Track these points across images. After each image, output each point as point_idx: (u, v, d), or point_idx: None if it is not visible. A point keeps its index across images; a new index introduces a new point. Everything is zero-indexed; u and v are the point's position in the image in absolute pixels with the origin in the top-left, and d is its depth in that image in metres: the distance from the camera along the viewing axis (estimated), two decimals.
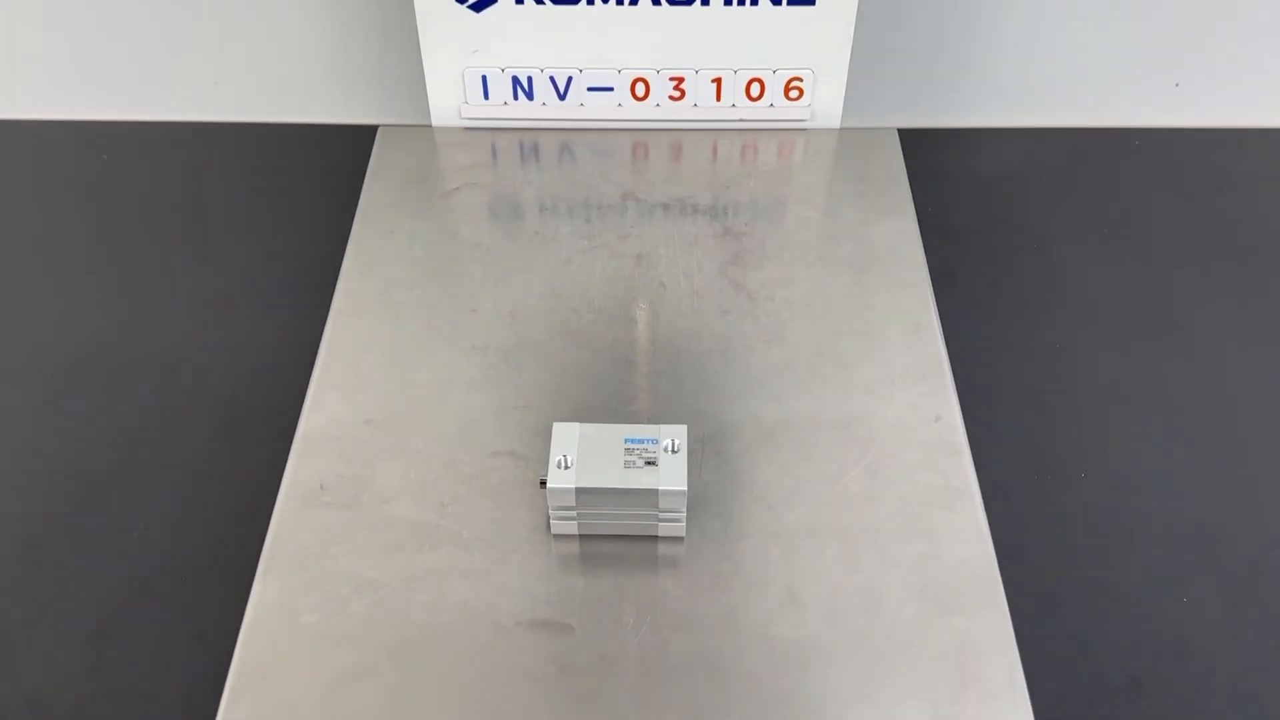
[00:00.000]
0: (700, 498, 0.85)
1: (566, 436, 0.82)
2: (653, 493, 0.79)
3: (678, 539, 0.83)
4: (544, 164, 1.15)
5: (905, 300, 1.01)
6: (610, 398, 0.93)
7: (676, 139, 1.17)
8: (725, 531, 0.84)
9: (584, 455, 0.80)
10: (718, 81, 1.13)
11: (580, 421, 0.84)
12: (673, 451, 0.81)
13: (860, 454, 0.89)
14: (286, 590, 0.81)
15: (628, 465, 0.80)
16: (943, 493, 0.86)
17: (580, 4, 1.08)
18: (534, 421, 0.91)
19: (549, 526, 0.82)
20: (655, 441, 0.81)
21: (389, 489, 0.87)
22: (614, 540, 0.83)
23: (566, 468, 0.80)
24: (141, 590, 0.90)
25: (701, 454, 0.88)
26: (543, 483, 0.80)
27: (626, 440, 0.81)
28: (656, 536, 0.83)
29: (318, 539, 0.84)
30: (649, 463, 0.80)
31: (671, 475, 0.79)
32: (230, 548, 0.89)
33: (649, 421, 0.90)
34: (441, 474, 0.87)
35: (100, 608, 0.89)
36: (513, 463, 0.88)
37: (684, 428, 0.82)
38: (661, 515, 0.81)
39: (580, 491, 0.79)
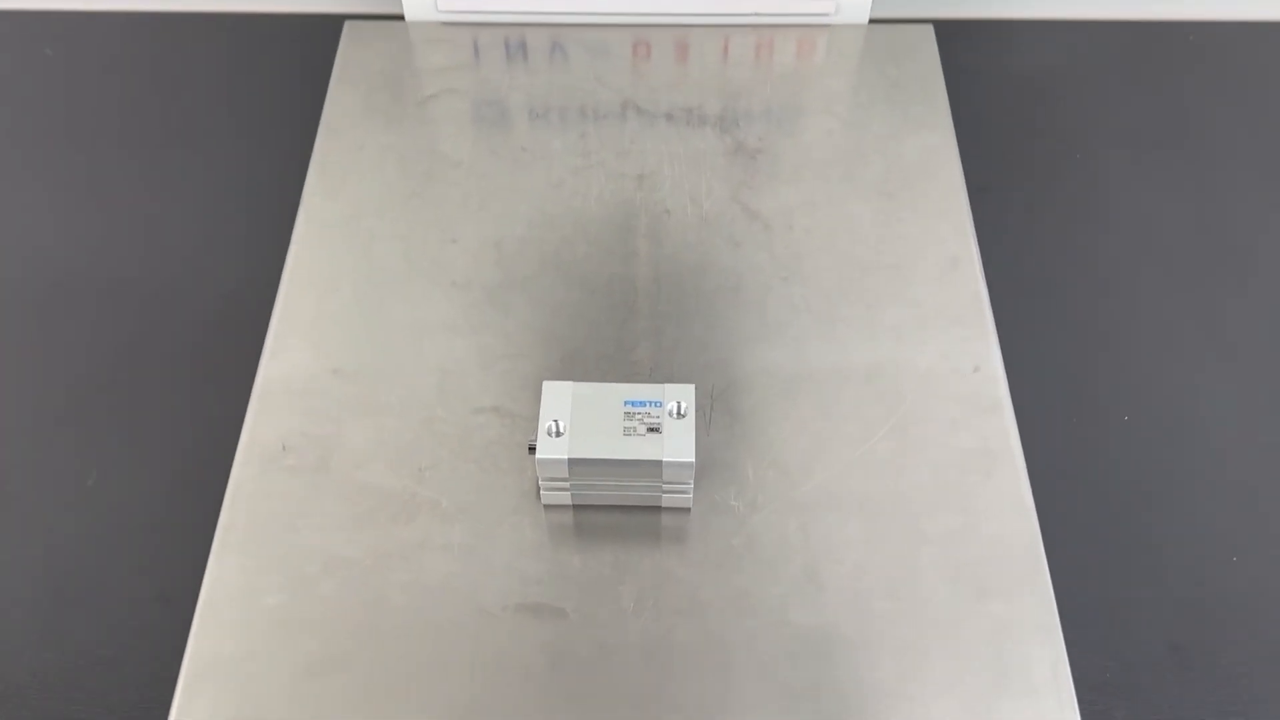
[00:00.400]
0: (708, 462, 0.76)
1: (558, 398, 0.72)
2: (656, 465, 0.70)
3: (683, 510, 0.74)
4: (532, 65, 1.02)
5: (941, 229, 0.90)
6: (607, 344, 0.82)
7: (683, 36, 1.03)
8: (736, 502, 0.75)
9: (578, 420, 0.71)
10: None
11: (574, 378, 0.74)
12: (678, 416, 0.71)
13: (888, 411, 0.79)
14: (245, 569, 0.72)
15: (627, 433, 0.70)
16: (981, 457, 0.77)
17: None
18: (522, 372, 0.81)
19: (539, 496, 0.73)
20: (659, 404, 0.71)
21: (360, 451, 0.77)
22: (612, 511, 0.74)
23: (558, 435, 0.71)
24: (98, 546, 0.80)
25: (710, 411, 0.78)
26: (531, 448, 0.71)
27: (626, 403, 0.72)
28: (660, 508, 0.74)
29: (280, 509, 0.75)
30: (651, 429, 0.71)
31: (677, 444, 0.70)
32: (190, 501, 0.80)
33: (651, 373, 0.80)
34: (419, 433, 0.78)
35: (52, 566, 0.79)
36: (498, 420, 0.78)
37: (691, 388, 0.72)
38: (666, 487, 0.72)
39: (574, 463, 0.70)
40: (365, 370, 0.81)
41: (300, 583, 0.72)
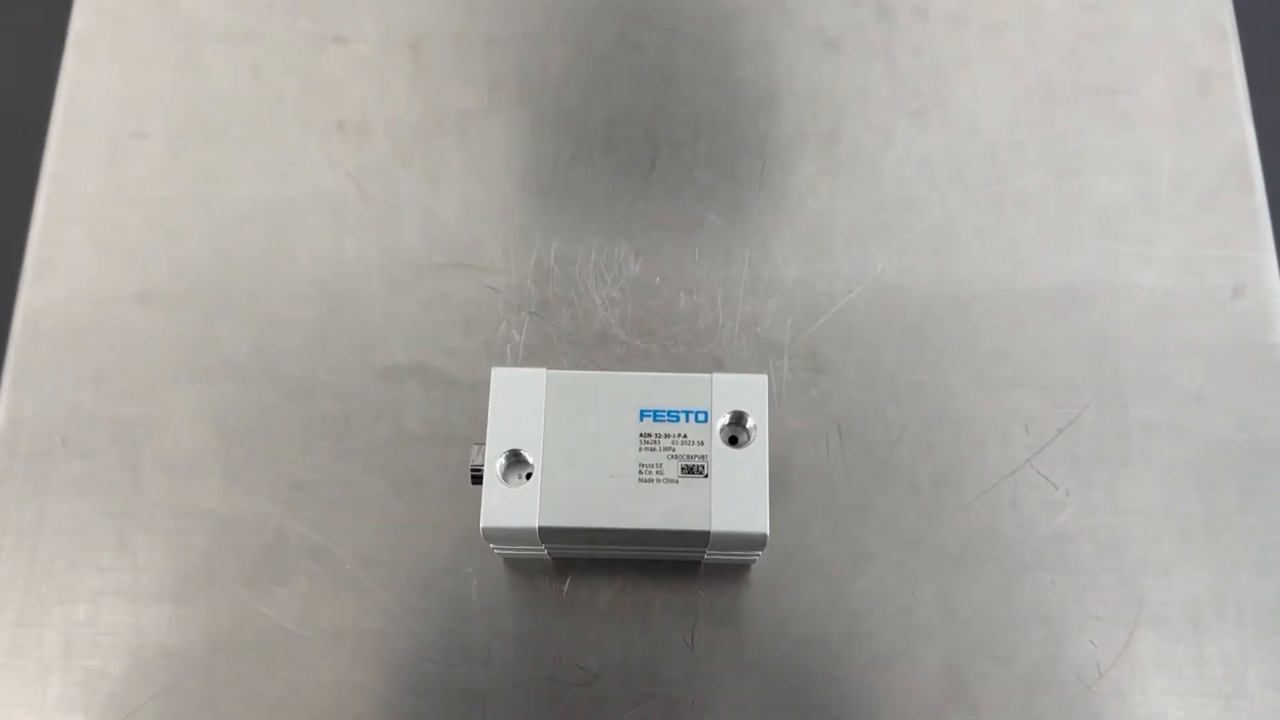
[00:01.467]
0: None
1: (518, 398, 0.39)
2: (700, 536, 0.38)
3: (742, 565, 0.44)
4: None
5: (1182, 20, 0.52)
6: (614, 220, 0.48)
7: None
8: (833, 551, 0.44)
9: (556, 449, 0.38)
10: None
11: (557, 302, 0.41)
12: (739, 439, 0.39)
13: (1090, 375, 0.46)
14: None
15: (646, 475, 0.38)
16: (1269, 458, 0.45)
17: None
18: (469, 299, 0.47)
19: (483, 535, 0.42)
20: (702, 418, 0.39)
21: (186, 448, 0.45)
22: (619, 571, 0.44)
23: (521, 480, 0.38)
24: None
25: (780, 392, 0.46)
26: (475, 476, 0.39)
27: (642, 414, 0.39)
28: (700, 563, 0.43)
29: (59, 567, 0.44)
30: (690, 469, 0.38)
31: (736, 501, 0.38)
32: None
33: (683, 294, 0.47)
34: (286, 416, 0.46)
35: None
36: (421, 388, 0.46)
37: (760, 381, 0.39)
38: (712, 556, 0.41)
39: (549, 532, 0.38)
40: (193, 295, 0.47)
41: None
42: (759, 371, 0.45)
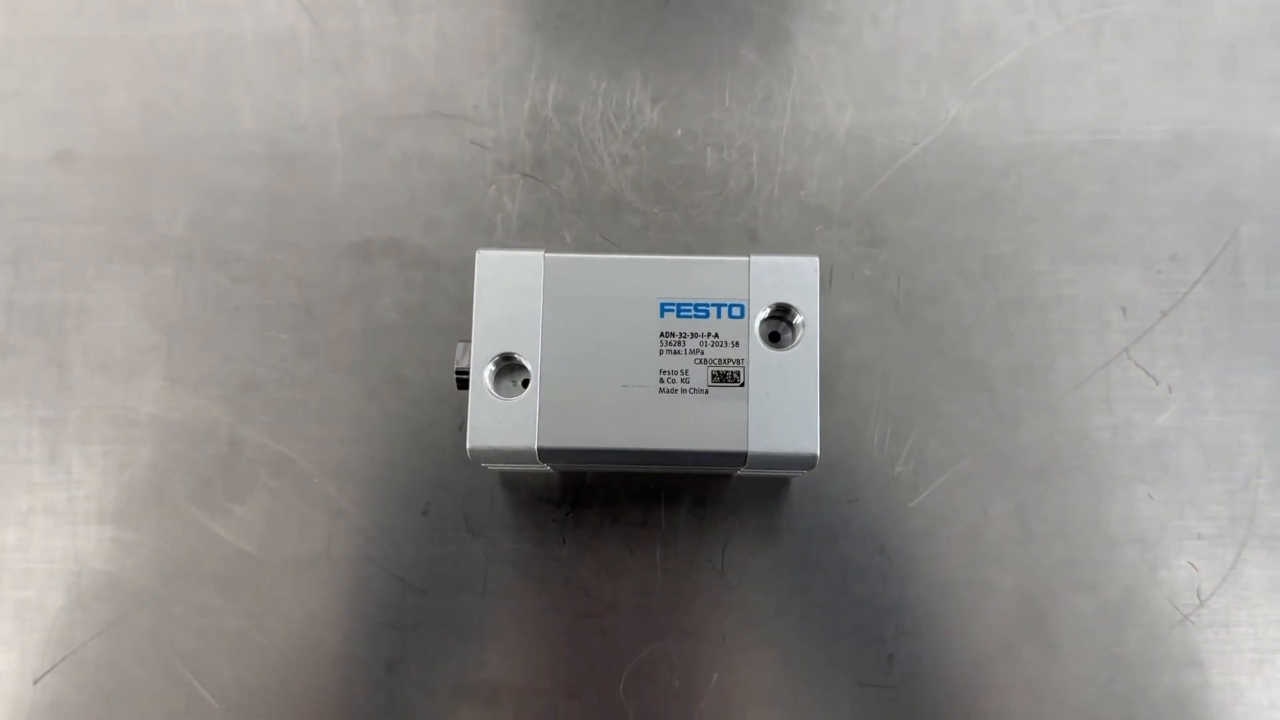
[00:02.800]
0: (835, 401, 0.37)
1: (508, 289, 0.32)
2: (735, 457, 0.31)
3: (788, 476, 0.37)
4: None
5: None
6: (626, 57, 0.39)
7: None
8: (890, 460, 0.37)
9: (556, 351, 0.31)
10: None
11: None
12: (786, 338, 0.32)
13: (1203, 246, 0.38)
14: None
15: (668, 383, 0.31)
16: None
17: None
18: (437, 144, 0.39)
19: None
20: (739, 314, 0.31)
21: (121, 342, 0.38)
22: (636, 484, 0.37)
23: (516, 388, 0.31)
24: None
25: (830, 271, 0.38)
26: (460, 380, 0.32)
27: (663, 308, 0.31)
28: (732, 475, 0.37)
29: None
30: (723, 377, 0.31)
31: (780, 414, 0.31)
32: None
33: (715, 201, 0.38)
34: (235, 295, 0.38)
35: None
36: (395, 268, 0.38)
37: (812, 263, 0.31)
38: (748, 473, 0.34)
39: (550, 453, 0.31)
40: (119, 157, 0.39)
41: None
42: (804, 247, 0.37)
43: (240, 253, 0.38)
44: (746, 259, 0.31)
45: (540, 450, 0.31)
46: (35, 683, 0.36)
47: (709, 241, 0.38)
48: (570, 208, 0.39)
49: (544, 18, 0.40)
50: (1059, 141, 0.39)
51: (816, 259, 0.31)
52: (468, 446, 0.31)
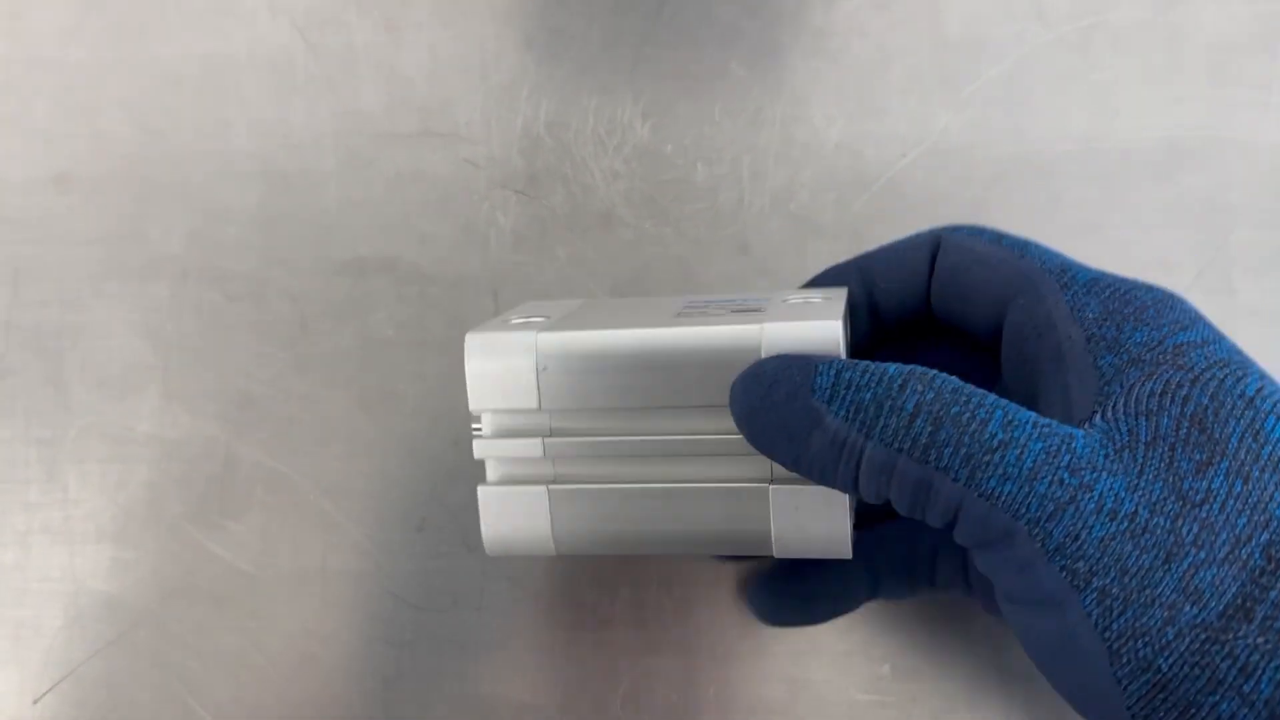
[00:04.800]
0: None
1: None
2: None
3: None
4: None
5: None
6: (616, 74, 0.39)
7: None
8: None
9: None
10: None
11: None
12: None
13: (1193, 252, 0.38)
14: None
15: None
16: None
17: None
18: (431, 162, 0.39)
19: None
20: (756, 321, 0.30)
21: (118, 361, 0.38)
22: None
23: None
24: None
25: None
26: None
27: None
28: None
29: None
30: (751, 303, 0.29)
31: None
32: None
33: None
34: (230, 313, 0.39)
35: None
36: (389, 284, 0.38)
37: (840, 300, 0.30)
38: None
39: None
40: (116, 178, 0.40)
41: None
42: (796, 260, 0.37)
43: (236, 270, 0.39)
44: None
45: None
46: (35, 702, 0.37)
47: (702, 254, 0.38)
48: (563, 223, 0.39)
49: (535, 35, 0.40)
50: (1049, 150, 0.39)
51: (838, 322, 0.28)
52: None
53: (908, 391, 0.25)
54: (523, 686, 0.36)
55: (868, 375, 0.25)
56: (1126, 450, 0.25)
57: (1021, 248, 0.30)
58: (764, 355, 0.27)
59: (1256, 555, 0.23)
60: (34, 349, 0.39)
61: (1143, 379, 0.26)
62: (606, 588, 0.37)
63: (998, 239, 0.31)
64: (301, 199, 0.39)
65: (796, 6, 0.40)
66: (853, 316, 0.32)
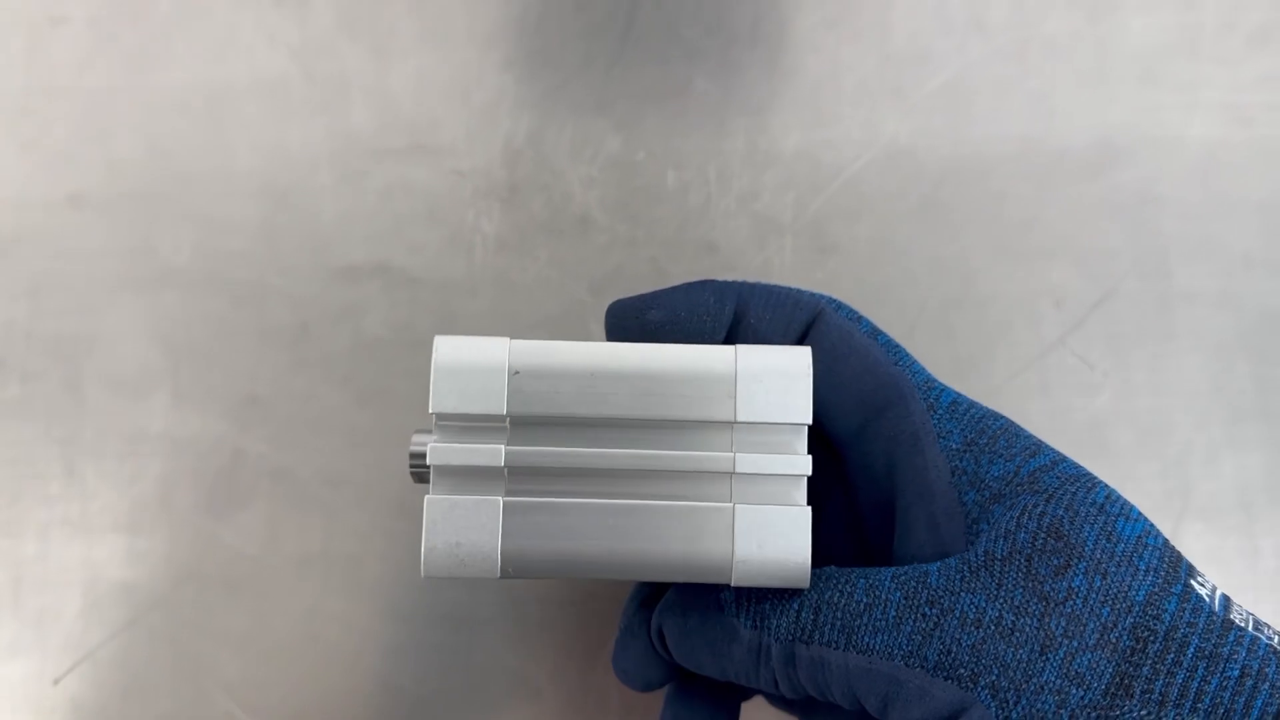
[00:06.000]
0: None
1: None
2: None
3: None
4: None
5: None
6: (589, 90, 0.43)
7: None
8: None
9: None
10: None
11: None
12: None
13: (1129, 241, 0.41)
14: None
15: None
16: None
17: None
18: (419, 175, 0.42)
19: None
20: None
21: (131, 365, 0.41)
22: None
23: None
24: None
25: (782, 276, 0.41)
26: (415, 464, 0.29)
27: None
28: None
29: (2, 500, 0.41)
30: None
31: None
32: None
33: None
34: (235, 319, 0.41)
35: None
36: (382, 289, 0.41)
37: (803, 356, 0.29)
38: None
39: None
40: (127, 196, 0.43)
41: None
42: (759, 255, 0.40)
43: (240, 279, 0.42)
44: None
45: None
46: (55, 683, 0.39)
47: (672, 254, 0.41)
48: (542, 228, 0.42)
49: (514, 57, 0.43)
50: (991, 151, 0.42)
51: (808, 350, 0.28)
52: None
53: (792, 598, 0.28)
54: (513, 657, 0.39)
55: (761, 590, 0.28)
56: (983, 569, 0.27)
57: (895, 352, 0.30)
58: (739, 373, 0.28)
59: (1125, 638, 0.25)
60: (53, 356, 0.41)
61: (1005, 511, 0.27)
62: None
63: (874, 333, 0.31)
64: (300, 212, 0.42)
65: (753, 26, 0.43)
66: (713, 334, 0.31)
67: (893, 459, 0.30)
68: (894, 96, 0.43)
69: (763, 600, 0.28)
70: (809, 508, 0.28)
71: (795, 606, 0.28)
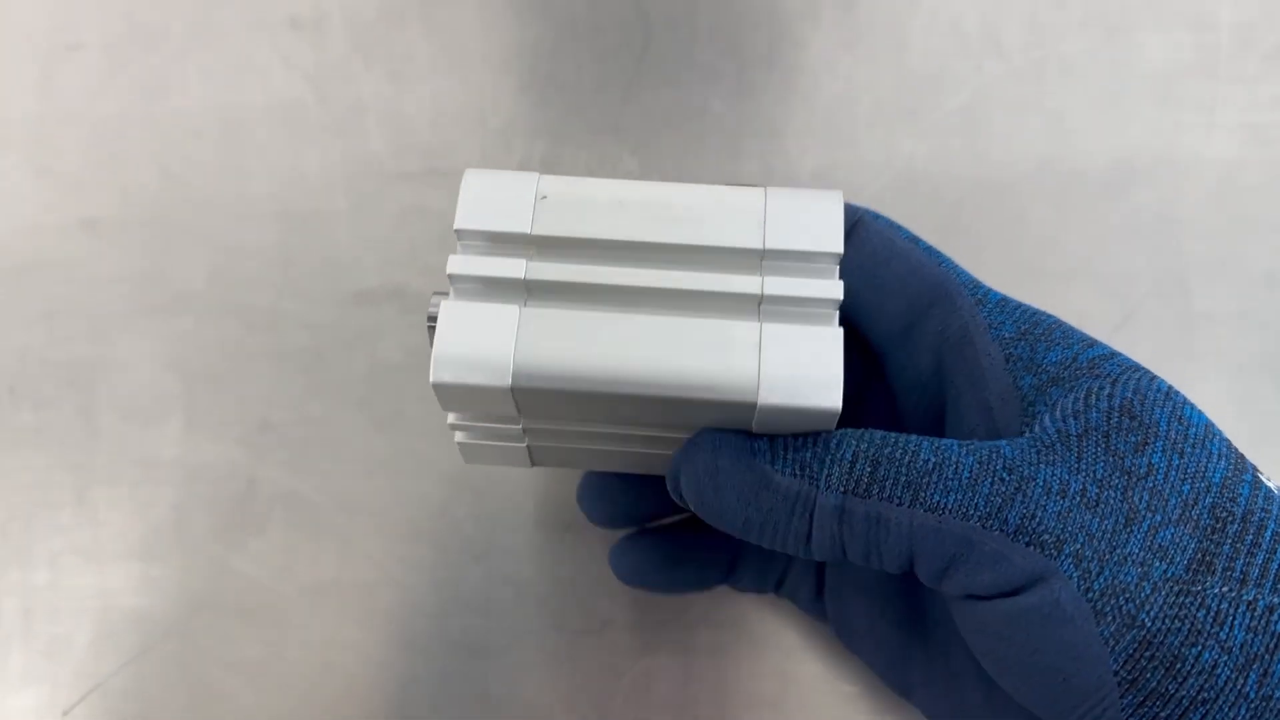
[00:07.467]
0: None
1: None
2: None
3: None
4: None
5: None
6: (605, 114, 0.43)
7: None
8: None
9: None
10: None
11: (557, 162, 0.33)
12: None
13: (1149, 262, 0.41)
14: None
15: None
16: None
17: None
18: (434, 199, 0.42)
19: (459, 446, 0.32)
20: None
21: (144, 391, 0.41)
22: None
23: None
24: None
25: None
26: (432, 324, 0.28)
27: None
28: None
29: (15, 528, 0.40)
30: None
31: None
32: None
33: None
34: (250, 344, 0.41)
35: None
36: (397, 313, 0.41)
37: (834, 199, 0.28)
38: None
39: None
40: (142, 221, 0.43)
41: None
42: None
43: (254, 304, 0.41)
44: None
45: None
46: (65, 715, 0.39)
47: None
48: None
49: (529, 81, 0.43)
50: (1009, 172, 0.42)
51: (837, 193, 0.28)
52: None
53: (843, 445, 0.26)
54: (528, 686, 0.38)
55: (801, 439, 0.27)
56: (1059, 444, 0.26)
57: (936, 255, 0.31)
58: (769, 206, 0.27)
59: (1205, 516, 0.25)
60: (66, 382, 0.41)
61: (1065, 394, 0.27)
62: (605, 593, 0.39)
63: (914, 240, 0.31)
64: (315, 236, 0.42)
65: (770, 48, 0.43)
66: None
67: (941, 355, 0.30)
68: (910, 118, 0.42)
69: (803, 449, 0.26)
70: (840, 329, 0.26)
71: (849, 456, 0.26)
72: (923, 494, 0.26)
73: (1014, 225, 0.42)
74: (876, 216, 0.31)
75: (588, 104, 0.43)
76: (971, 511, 0.25)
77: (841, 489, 0.26)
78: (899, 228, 0.31)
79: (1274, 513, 0.25)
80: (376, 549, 0.39)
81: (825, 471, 0.26)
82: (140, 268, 0.42)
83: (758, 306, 0.27)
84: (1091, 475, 0.26)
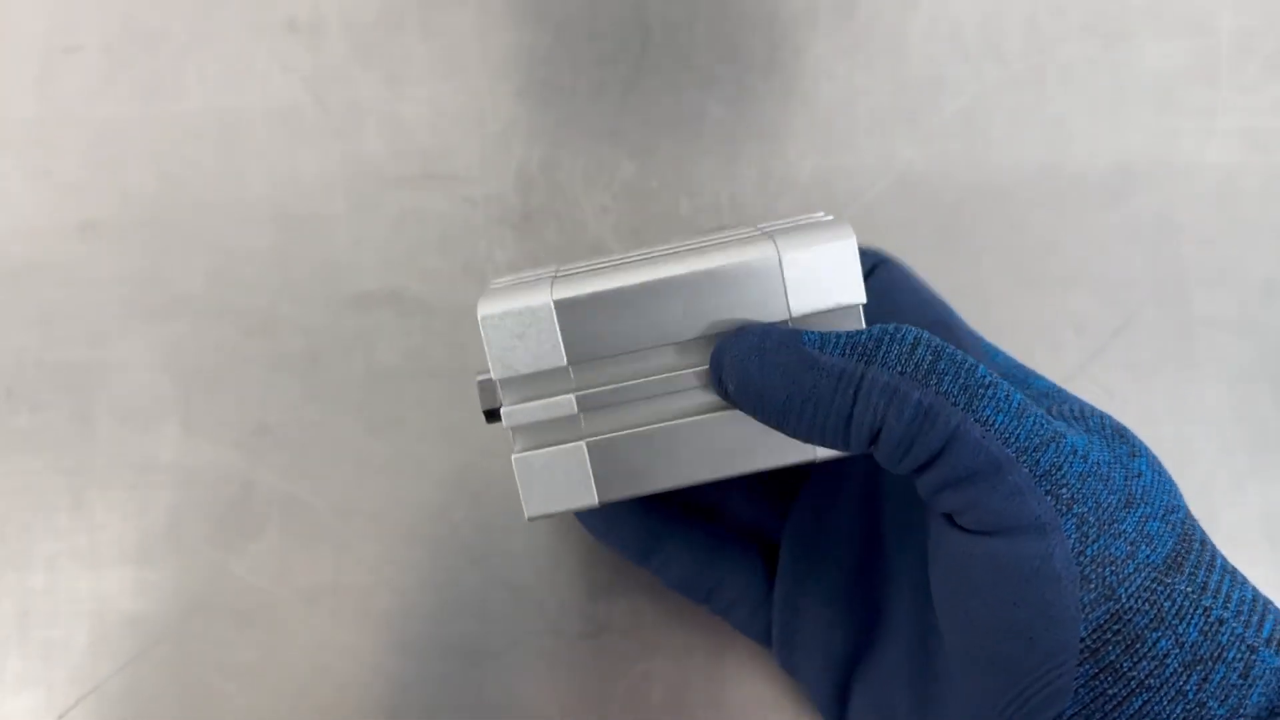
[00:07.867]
0: None
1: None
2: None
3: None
4: None
5: None
6: (603, 118, 0.42)
7: None
8: None
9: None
10: None
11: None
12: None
13: (1148, 267, 0.41)
14: None
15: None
16: None
17: None
18: (432, 202, 0.42)
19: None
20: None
21: (141, 394, 0.41)
22: None
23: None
24: None
25: None
26: (491, 413, 0.31)
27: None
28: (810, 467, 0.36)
29: (11, 531, 0.40)
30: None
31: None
32: None
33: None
34: (247, 348, 0.41)
35: None
36: (395, 317, 0.41)
37: (845, 236, 0.29)
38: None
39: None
40: (139, 224, 0.42)
41: None
42: None
43: (251, 307, 0.41)
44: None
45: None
46: (61, 718, 0.38)
47: None
48: (556, 256, 0.42)
49: (527, 86, 0.43)
50: (1008, 178, 0.42)
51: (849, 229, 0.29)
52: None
53: (904, 329, 0.27)
54: (525, 690, 0.38)
55: (857, 329, 0.28)
56: (1078, 422, 0.29)
57: (943, 302, 0.34)
58: (786, 272, 0.28)
59: (1179, 526, 0.27)
60: (63, 385, 0.41)
61: (1059, 405, 0.30)
62: (602, 596, 0.39)
63: (926, 285, 0.34)
64: (312, 240, 0.42)
65: (769, 53, 0.43)
66: None
67: None
68: (909, 123, 0.42)
69: (856, 334, 0.27)
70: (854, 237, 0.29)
71: (910, 340, 0.27)
72: (976, 403, 0.26)
73: (1013, 230, 0.41)
74: (896, 261, 0.35)
75: (586, 108, 0.43)
76: (1013, 440, 0.26)
77: (899, 369, 0.26)
78: (912, 272, 0.35)
79: (1218, 553, 0.28)
80: (373, 552, 0.39)
81: (883, 350, 0.27)
82: (138, 270, 0.42)
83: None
84: (1104, 455, 0.27)
